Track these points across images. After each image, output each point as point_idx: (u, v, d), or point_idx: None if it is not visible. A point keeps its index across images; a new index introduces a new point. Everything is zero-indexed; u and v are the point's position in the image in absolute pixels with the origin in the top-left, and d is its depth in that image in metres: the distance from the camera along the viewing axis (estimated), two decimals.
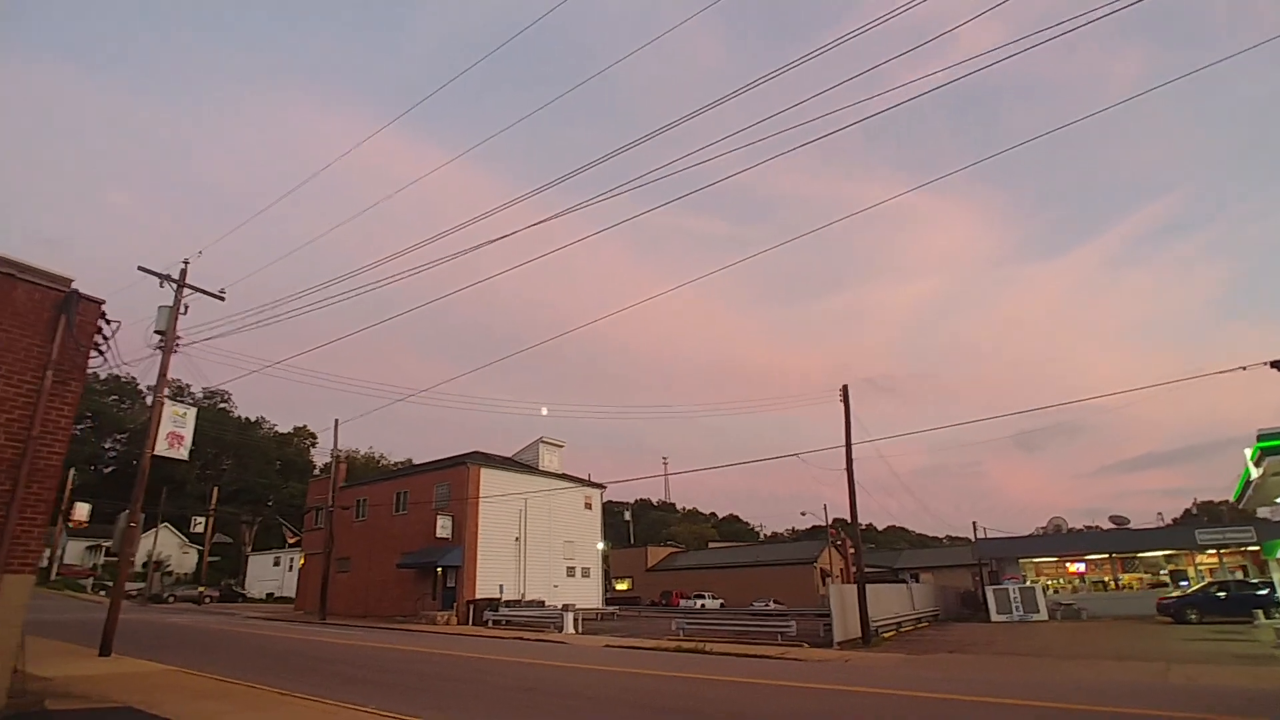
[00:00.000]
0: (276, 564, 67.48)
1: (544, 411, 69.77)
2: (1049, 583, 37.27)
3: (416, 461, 69.69)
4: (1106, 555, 36.88)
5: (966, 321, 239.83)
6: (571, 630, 28.05)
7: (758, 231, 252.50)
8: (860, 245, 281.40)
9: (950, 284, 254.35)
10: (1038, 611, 32.66)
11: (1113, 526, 40.24)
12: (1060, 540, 39.74)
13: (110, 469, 76.51)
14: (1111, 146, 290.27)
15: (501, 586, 36.51)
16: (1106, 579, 36.65)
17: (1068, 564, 37.93)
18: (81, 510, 51.01)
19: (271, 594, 64.25)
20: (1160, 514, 56.25)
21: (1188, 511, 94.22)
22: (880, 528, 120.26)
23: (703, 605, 53.34)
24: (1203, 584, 30.75)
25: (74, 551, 65.54)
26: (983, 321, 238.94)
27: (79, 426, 77.58)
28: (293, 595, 53.39)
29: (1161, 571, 35.78)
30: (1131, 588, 35.70)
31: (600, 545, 46.05)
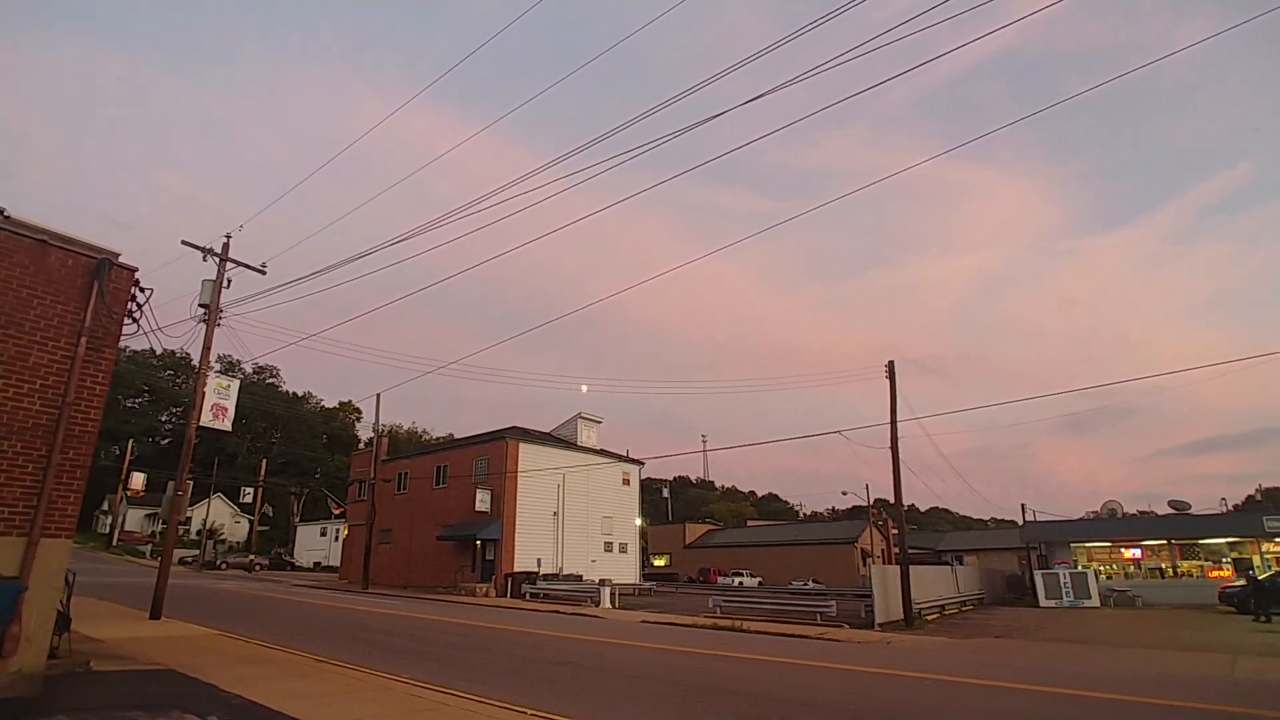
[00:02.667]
0: (323, 534, 69.53)
1: (584, 389, 70.35)
2: (1101, 568, 36.09)
3: (457, 436, 70.84)
4: (1165, 541, 35.50)
5: (1019, 299, 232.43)
6: (608, 605, 28.14)
7: (802, 205, 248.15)
8: (909, 220, 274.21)
9: (1002, 259, 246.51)
10: (1089, 597, 31.65)
11: (1172, 512, 38.67)
12: (1115, 525, 38.37)
13: (166, 440, 79.50)
14: (1176, 117, 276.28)
15: (539, 560, 36.89)
16: (1164, 566, 35.30)
17: (1122, 549, 36.64)
18: (138, 480, 53.11)
19: (318, 563, 66.28)
20: (1223, 500, 53.95)
21: (1251, 498, 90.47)
22: (923, 509, 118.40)
23: (740, 583, 53.23)
24: (1270, 573, 29.37)
25: (133, 519, 68.54)
26: (1036, 299, 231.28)
27: (136, 400, 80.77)
28: (338, 565, 54.93)
29: (1224, 559, 34.31)
30: (1191, 575, 34.33)
31: (638, 521, 46.14)
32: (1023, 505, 40.76)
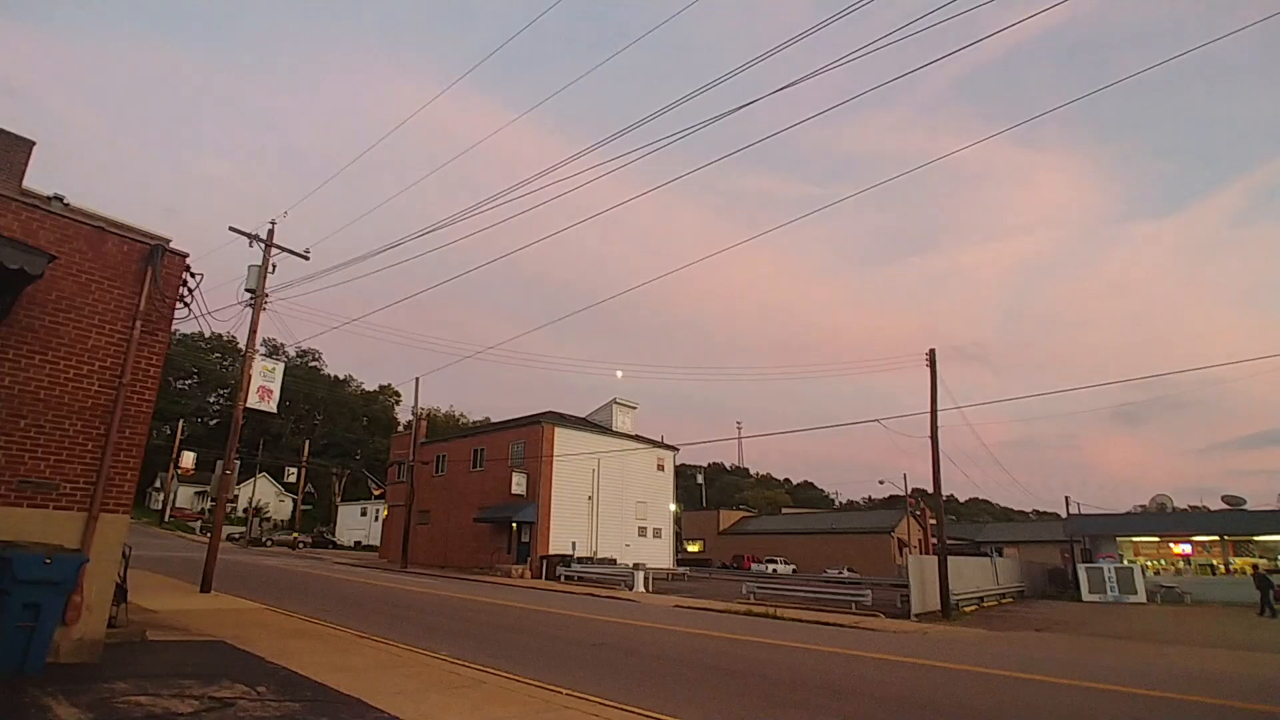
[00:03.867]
0: (363, 514, 71.25)
1: (619, 374, 70.63)
2: (1148, 564, 35.15)
3: (494, 420, 71.76)
4: (1217, 537, 34.40)
5: (1067, 285, 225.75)
6: (642, 589, 28.38)
7: (841, 190, 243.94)
8: (953, 205, 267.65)
9: (1050, 245, 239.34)
10: (1135, 593, 30.89)
11: (1226, 507, 37.42)
12: (1164, 519, 37.29)
13: (215, 421, 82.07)
14: (1232, 96, 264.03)
15: (574, 543, 37.29)
16: (1215, 562, 34.25)
17: (1171, 545, 35.62)
18: (188, 459, 55.01)
19: (359, 542, 68.00)
20: None
21: None
22: (963, 499, 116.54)
23: (774, 570, 53.18)
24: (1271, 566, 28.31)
25: (184, 496, 71.11)
26: (1085, 285, 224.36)
27: (186, 382, 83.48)
28: (378, 544, 56.29)
29: None
30: (1244, 573, 33.25)
31: (672, 507, 46.32)
32: (1066, 498, 39.96)
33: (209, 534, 18.89)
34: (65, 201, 8.11)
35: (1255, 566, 30.53)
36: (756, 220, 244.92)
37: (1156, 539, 36.04)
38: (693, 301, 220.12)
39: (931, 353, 24.82)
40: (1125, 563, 33.58)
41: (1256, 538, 33.83)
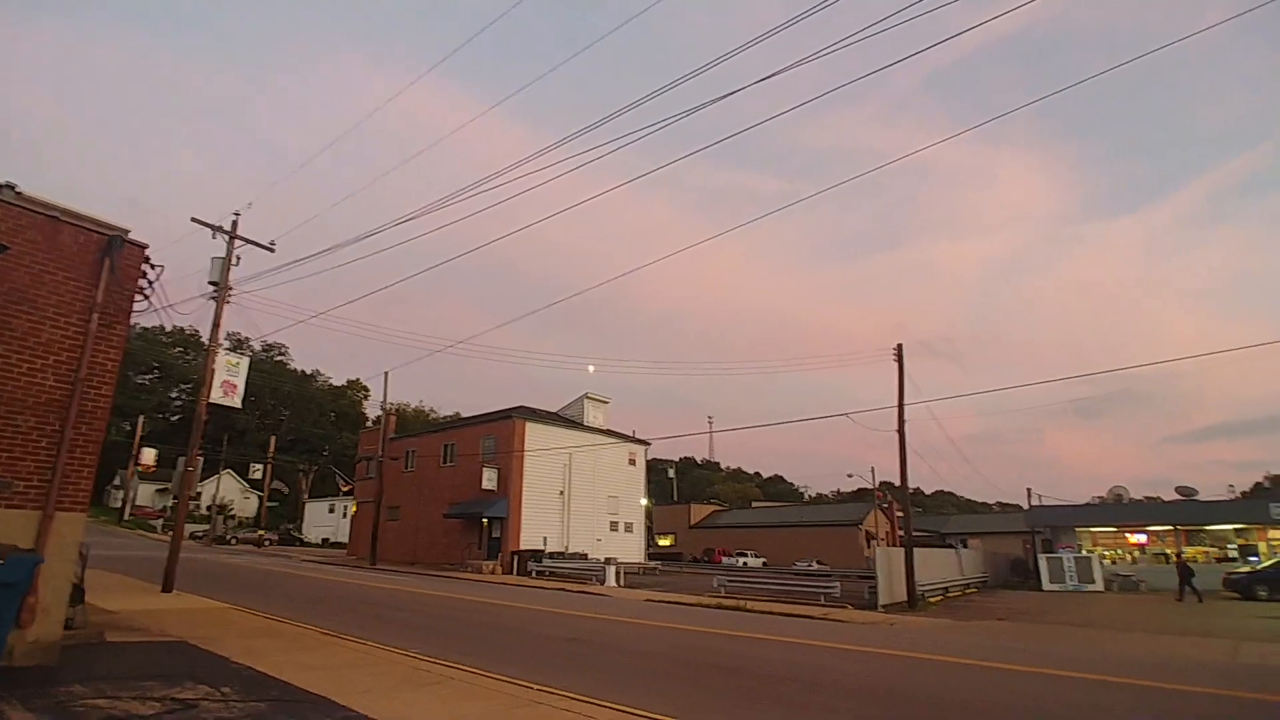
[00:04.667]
0: (331, 511, 70.23)
1: (591, 369, 70.11)
2: (1106, 554, 36.14)
3: (464, 415, 71.22)
4: (1170, 527, 35.49)
5: (1032, 282, 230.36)
6: (613, 584, 28.42)
7: (811, 187, 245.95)
8: (921, 202, 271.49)
9: (1015, 243, 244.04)
10: (1093, 582, 31.75)
11: (1179, 498, 38.62)
12: (1120, 510, 38.37)
13: (177, 417, 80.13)
14: (1194, 98, 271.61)
15: (545, 539, 37.20)
16: (1169, 551, 35.34)
17: (1127, 535, 36.67)
18: (149, 455, 53.66)
19: (326, 539, 67.01)
20: (1231, 486, 53.83)
21: (1259, 485, 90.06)
22: (929, 492, 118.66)
23: (745, 564, 53.59)
24: (1276, 560, 29.38)
25: (145, 494, 69.33)
26: (1048, 283, 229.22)
27: (146, 377, 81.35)
28: (346, 541, 55.52)
29: (1230, 546, 34.30)
30: (1196, 561, 34.36)
31: (643, 501, 46.45)
32: (1028, 490, 40.74)
33: (171, 532, 18.44)
34: (17, 190, 7.82)
35: (1179, 554, 31.86)
36: (730, 216, 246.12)
37: (1114, 529, 37.08)
38: (666, 297, 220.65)
39: (899, 348, 25.20)
40: (1084, 552, 34.48)
41: (1207, 527, 34.97)
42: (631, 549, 42.83)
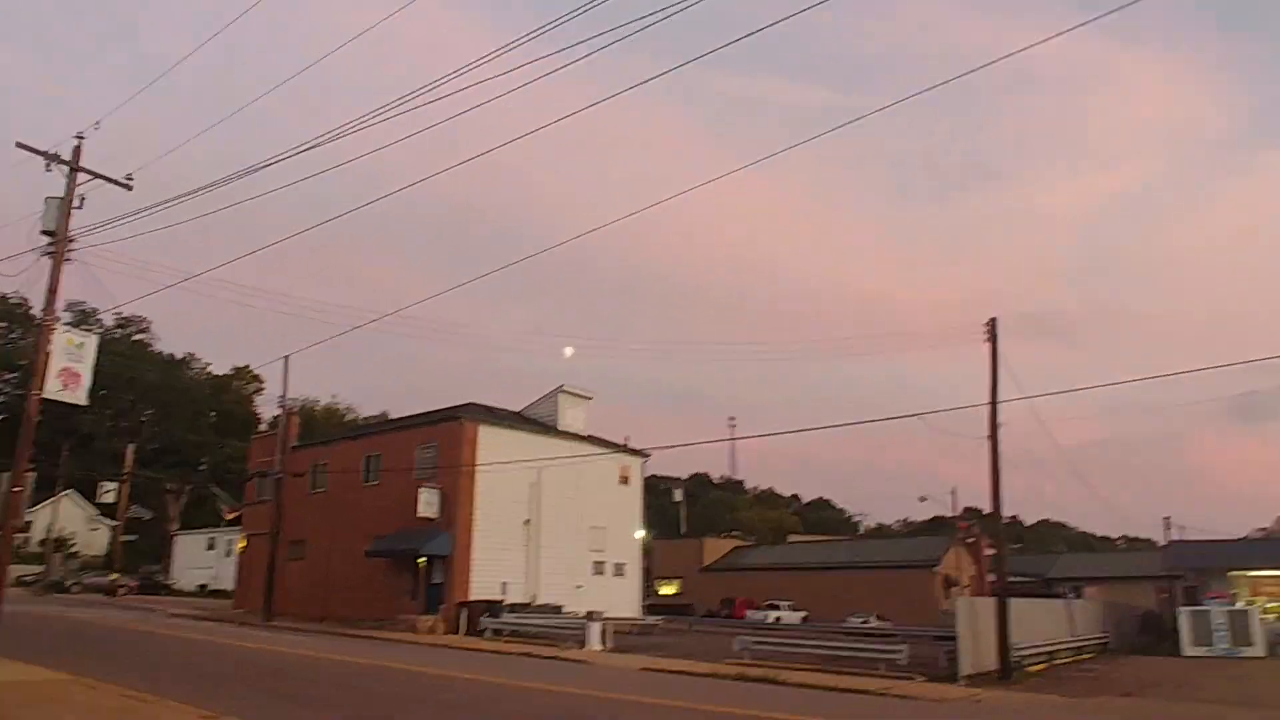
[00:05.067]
0: (210, 547, 70.39)
1: (568, 352, 70.09)
2: (1270, 605, 36.42)
3: (394, 416, 71.13)
4: None
5: (1173, 232, 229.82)
6: (598, 646, 28.47)
7: (871, 101, 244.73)
8: (1024, 122, 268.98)
9: (1151, 177, 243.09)
10: (1251, 644, 31.95)
11: None
12: None
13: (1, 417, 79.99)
14: None
15: (505, 585, 37.26)
16: None
17: None
18: None
19: (205, 586, 67.11)
20: None
21: None
22: (1029, 521, 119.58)
23: (778, 619, 53.86)
24: None
25: None
26: (1197, 232, 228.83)
27: None
28: (231, 588, 55.65)
29: None
30: None
31: (640, 534, 46.54)
32: (1165, 520, 41.19)
33: None
34: None
35: None
36: (760, 142, 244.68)
37: None
38: (671, 255, 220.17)
39: (991, 324, 25.13)
40: (1241, 604, 34.70)
41: None
42: (623, 599, 42.97)
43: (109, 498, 69.15)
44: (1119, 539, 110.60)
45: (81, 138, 20.08)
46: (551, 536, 40.47)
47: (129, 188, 20.83)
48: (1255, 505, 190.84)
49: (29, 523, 65.38)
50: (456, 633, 33.60)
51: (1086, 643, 32.19)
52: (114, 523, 72.96)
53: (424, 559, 37.27)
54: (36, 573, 60.49)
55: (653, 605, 56.19)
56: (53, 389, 19.20)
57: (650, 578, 67.31)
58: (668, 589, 74.54)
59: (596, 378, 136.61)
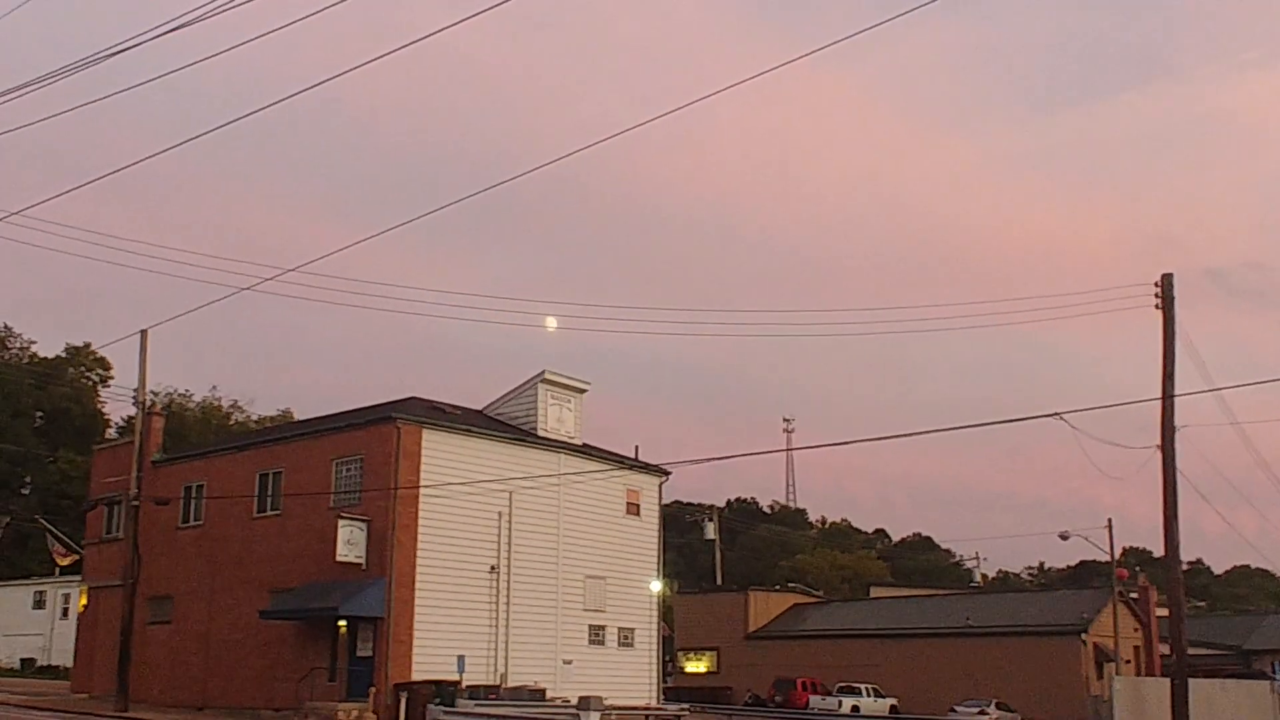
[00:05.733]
0: (39, 605, 70.73)
1: (551, 325, 69.84)
2: None
3: (302, 417, 71.16)
4: None
5: None
6: None
7: None
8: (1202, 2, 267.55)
9: None
10: None
11: None
12: None
13: None
14: None
15: (462, 659, 37.32)
16: None
17: None
18: None
19: (32, 660, 67.48)
20: None
21: None
22: (1219, 569, 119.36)
23: (855, 708, 54.05)
24: None
25: None
26: None
27: None
28: (69, 664, 56.00)
29: None
30: None
31: (657, 586, 46.52)
32: None
33: None
34: None
35: None
36: (821, 24, 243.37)
37: None
38: (692, 185, 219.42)
39: (1164, 281, 25.06)
40: None
41: None
42: (632, 679, 43.02)
43: None
44: None
45: None
46: (528, 590, 40.50)
47: None
48: None
49: None
50: None
51: None
52: None
53: (345, 622, 37.31)
54: None
55: (676, 688, 56.40)
56: None
57: (672, 649, 67.59)
58: (697, 665, 74.73)
59: (594, 361, 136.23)
